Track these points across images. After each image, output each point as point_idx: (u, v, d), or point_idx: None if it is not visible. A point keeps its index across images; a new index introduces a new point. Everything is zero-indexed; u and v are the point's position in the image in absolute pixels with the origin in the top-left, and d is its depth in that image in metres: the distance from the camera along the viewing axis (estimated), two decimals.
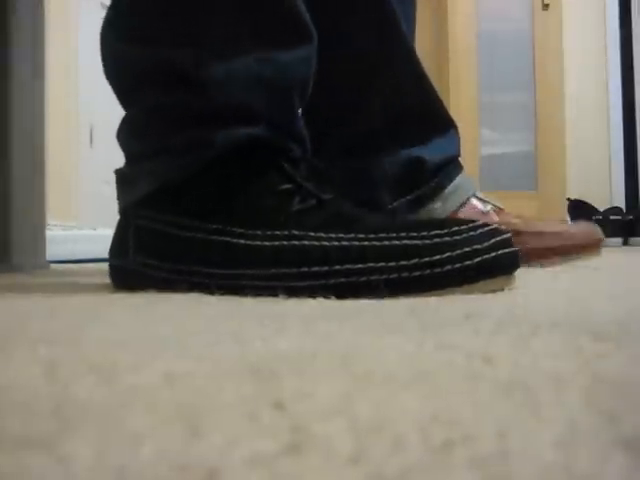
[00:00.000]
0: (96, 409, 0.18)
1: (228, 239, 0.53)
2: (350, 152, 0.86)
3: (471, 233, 0.50)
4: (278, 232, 0.52)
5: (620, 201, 3.15)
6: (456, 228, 0.50)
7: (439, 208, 0.88)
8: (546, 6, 2.75)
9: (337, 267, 0.49)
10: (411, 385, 0.20)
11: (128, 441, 0.15)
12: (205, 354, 0.26)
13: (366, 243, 0.50)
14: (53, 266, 1.10)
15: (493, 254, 0.50)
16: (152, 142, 0.58)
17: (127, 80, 0.60)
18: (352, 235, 0.50)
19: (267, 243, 0.51)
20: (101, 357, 0.25)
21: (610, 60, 3.20)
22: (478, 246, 0.49)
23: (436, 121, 0.90)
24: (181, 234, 0.55)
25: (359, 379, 0.21)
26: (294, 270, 0.50)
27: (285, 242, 0.51)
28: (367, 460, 0.14)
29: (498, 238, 0.51)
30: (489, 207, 0.93)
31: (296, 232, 0.51)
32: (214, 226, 0.53)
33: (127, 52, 0.59)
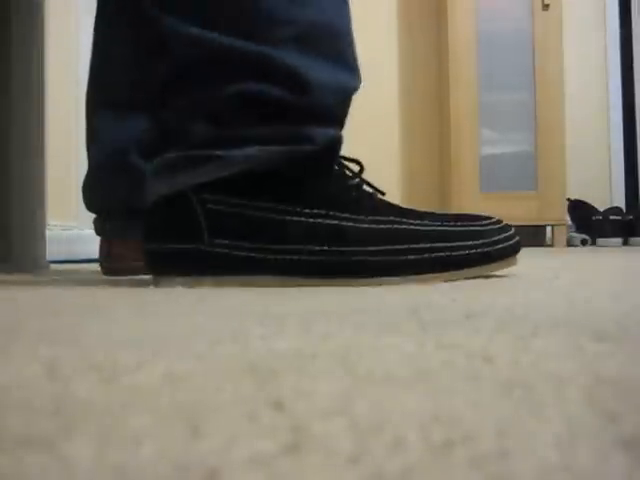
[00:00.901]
0: (96, 409, 0.18)
1: (336, 222, 0.62)
2: None
3: (492, 227, 0.67)
4: (380, 217, 0.63)
5: (620, 201, 3.15)
6: (486, 222, 0.68)
7: None
8: (546, 6, 2.75)
9: (422, 245, 0.63)
10: (411, 385, 0.20)
11: (128, 441, 0.15)
12: (205, 354, 0.26)
13: (449, 228, 0.65)
14: (53, 266, 1.10)
15: (509, 242, 0.68)
16: (240, 130, 0.62)
17: (203, 65, 0.61)
18: (421, 221, 0.65)
19: (374, 226, 0.62)
20: (101, 356, 0.25)
21: (610, 60, 3.19)
22: (498, 237, 0.67)
23: None
24: (276, 217, 0.61)
25: (359, 379, 0.21)
26: (404, 247, 0.62)
27: (390, 226, 0.63)
28: (367, 460, 0.14)
29: (510, 232, 0.69)
30: None
31: (394, 218, 0.64)
32: (315, 210, 0.62)
33: (212, 40, 0.61)
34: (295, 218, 0.61)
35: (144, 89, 0.71)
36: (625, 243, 2.89)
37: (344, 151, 0.66)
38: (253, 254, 0.60)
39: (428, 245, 0.63)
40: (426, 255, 0.63)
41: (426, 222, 0.64)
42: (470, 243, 0.65)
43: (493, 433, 0.15)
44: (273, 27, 0.61)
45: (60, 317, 0.41)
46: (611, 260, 1.32)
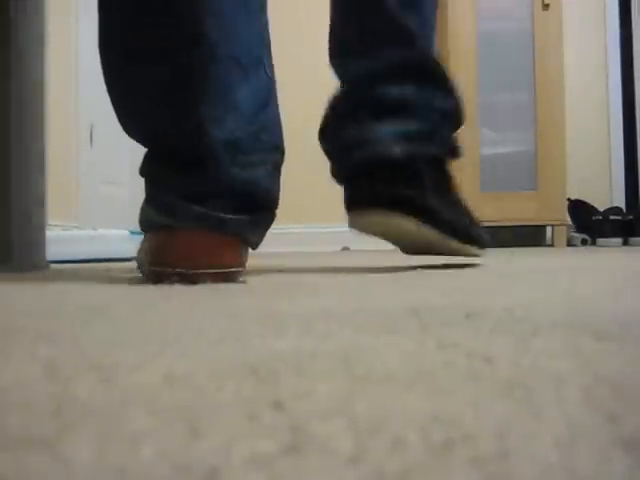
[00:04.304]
0: (96, 409, 0.18)
1: None
2: None
3: None
4: None
5: (620, 201, 3.14)
6: None
7: None
8: (546, 6, 2.75)
9: None
10: (411, 385, 0.20)
11: (128, 441, 0.15)
12: (205, 354, 0.26)
13: None
14: (53, 266, 1.10)
15: None
16: None
17: None
18: None
19: None
20: (101, 357, 0.25)
21: (610, 60, 3.19)
22: None
23: None
24: None
25: (359, 379, 0.21)
26: None
27: None
28: (367, 460, 0.14)
29: None
30: None
31: None
32: None
33: None
34: None
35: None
36: (625, 243, 2.89)
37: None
38: None
39: None
40: None
41: None
42: None
43: (493, 433, 0.15)
44: None
45: (60, 317, 0.41)
46: (611, 260, 1.32)
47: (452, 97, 0.86)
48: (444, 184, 0.84)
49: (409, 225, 0.79)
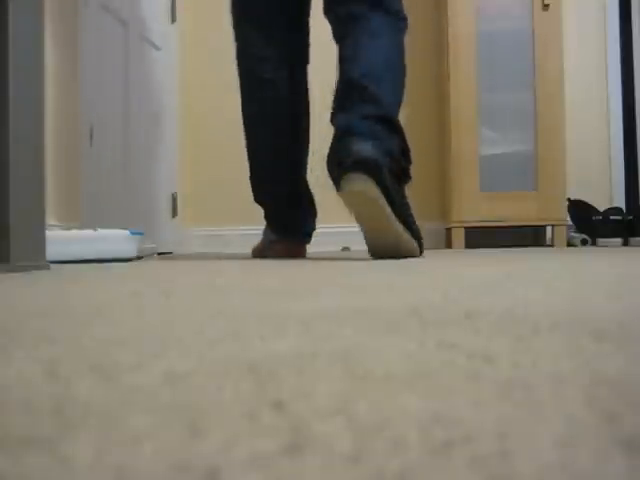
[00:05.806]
0: (96, 409, 0.18)
1: None
2: None
3: None
4: None
5: (620, 201, 3.14)
6: None
7: None
8: (546, 6, 2.75)
9: None
10: (411, 384, 0.20)
11: (128, 441, 0.15)
12: (205, 354, 0.26)
13: None
14: (53, 266, 1.10)
15: None
16: None
17: None
18: None
19: None
20: (101, 357, 0.25)
21: (610, 60, 3.19)
22: None
23: None
24: None
25: (359, 379, 0.21)
26: None
27: None
28: (367, 460, 0.14)
29: None
30: None
31: None
32: None
33: None
34: None
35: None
36: (625, 243, 2.89)
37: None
38: None
39: None
40: None
41: None
42: None
43: (493, 433, 0.15)
44: None
45: (60, 317, 0.41)
46: (611, 260, 1.32)
47: (405, 142, 1.28)
48: (398, 185, 1.20)
49: (373, 192, 1.16)
